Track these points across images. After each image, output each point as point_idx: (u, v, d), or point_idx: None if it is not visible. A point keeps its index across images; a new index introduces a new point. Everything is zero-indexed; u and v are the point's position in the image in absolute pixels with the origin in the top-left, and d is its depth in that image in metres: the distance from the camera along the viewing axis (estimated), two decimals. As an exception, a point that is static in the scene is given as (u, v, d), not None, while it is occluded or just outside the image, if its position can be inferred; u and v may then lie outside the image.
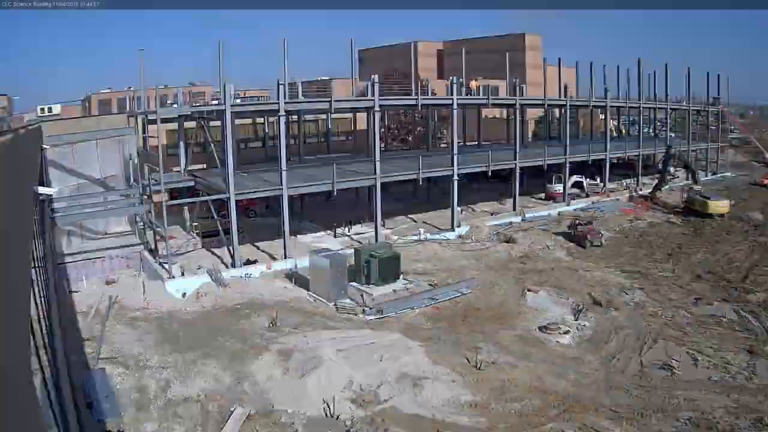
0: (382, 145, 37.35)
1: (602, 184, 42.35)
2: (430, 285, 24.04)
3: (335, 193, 27.79)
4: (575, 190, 40.35)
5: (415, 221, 33.78)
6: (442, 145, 45.60)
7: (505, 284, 24.34)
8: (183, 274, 24.12)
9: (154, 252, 26.25)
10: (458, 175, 31.82)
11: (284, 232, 26.05)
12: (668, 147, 43.33)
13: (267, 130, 39.33)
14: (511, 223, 34.62)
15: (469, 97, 36.33)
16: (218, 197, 25.80)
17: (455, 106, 32.13)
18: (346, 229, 31.22)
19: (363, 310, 21.51)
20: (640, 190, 43.33)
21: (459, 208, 33.01)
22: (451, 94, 31.99)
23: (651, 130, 55.18)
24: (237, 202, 25.30)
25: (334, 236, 30.44)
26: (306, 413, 14.31)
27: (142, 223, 28.45)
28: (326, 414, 14.34)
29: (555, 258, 28.50)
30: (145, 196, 26.62)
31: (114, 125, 30.38)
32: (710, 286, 24.60)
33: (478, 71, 43.32)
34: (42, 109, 55.67)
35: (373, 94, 28.68)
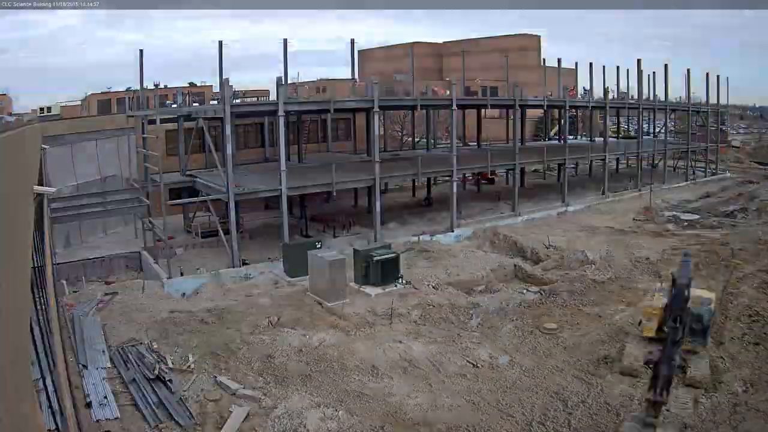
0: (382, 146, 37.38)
1: None
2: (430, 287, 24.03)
3: (334, 193, 27.78)
4: None
5: (414, 222, 33.79)
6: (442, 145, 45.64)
7: (505, 286, 24.35)
8: (182, 275, 24.14)
9: (153, 252, 26.27)
10: (458, 175, 31.87)
11: (284, 232, 26.07)
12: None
13: (266, 130, 39.33)
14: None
15: (468, 97, 36.36)
16: (217, 197, 25.83)
17: (454, 106, 32.17)
18: (345, 230, 31.24)
19: (365, 311, 21.50)
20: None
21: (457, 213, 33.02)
22: (451, 95, 32.03)
23: (651, 132, 55.21)
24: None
25: (333, 237, 30.46)
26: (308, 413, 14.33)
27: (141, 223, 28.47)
28: (324, 415, 14.36)
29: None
30: (144, 196, 26.62)
31: (113, 125, 30.41)
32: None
33: (478, 71, 43.39)
34: (41, 109, 55.79)
35: (372, 95, 28.71)
